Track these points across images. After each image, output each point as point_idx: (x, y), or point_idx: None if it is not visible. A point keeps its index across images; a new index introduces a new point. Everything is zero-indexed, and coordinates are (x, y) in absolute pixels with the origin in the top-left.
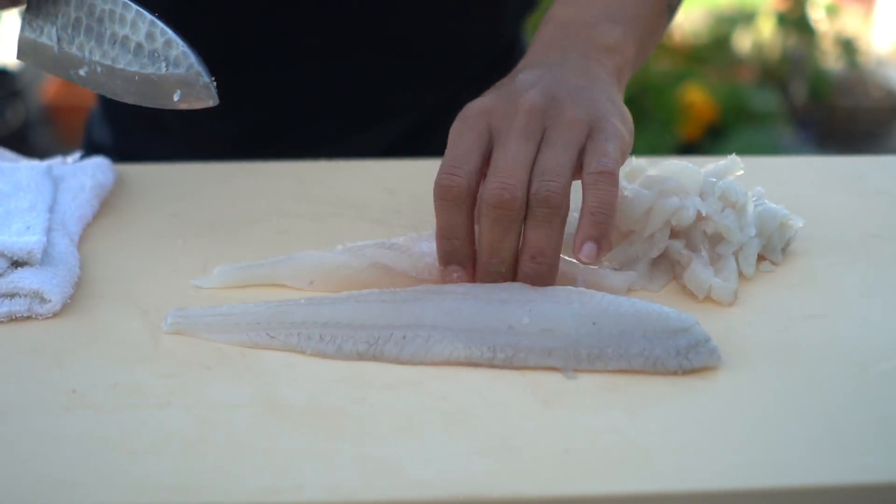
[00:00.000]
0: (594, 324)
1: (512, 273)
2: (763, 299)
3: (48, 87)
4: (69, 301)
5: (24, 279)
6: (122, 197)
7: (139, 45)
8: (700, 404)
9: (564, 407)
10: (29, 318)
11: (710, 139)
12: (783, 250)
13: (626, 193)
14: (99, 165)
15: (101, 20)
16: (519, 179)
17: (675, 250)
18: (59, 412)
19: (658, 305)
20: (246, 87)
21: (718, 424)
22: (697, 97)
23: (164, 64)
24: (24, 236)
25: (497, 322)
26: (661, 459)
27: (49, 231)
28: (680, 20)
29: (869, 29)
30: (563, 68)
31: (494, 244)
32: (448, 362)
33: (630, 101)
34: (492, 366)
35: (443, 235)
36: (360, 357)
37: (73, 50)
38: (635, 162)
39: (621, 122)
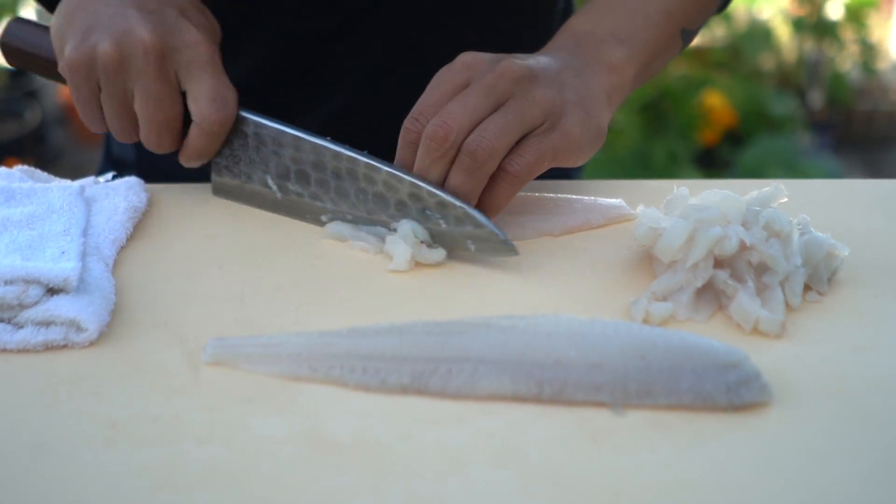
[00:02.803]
0: (643, 358)
1: None
2: (810, 331)
3: (64, 88)
4: (105, 329)
5: (60, 307)
6: (155, 218)
7: (402, 202)
8: (751, 442)
9: (613, 444)
10: (65, 346)
11: (728, 145)
12: (829, 280)
13: (662, 225)
14: (132, 186)
15: (338, 176)
16: (459, 124)
17: (721, 280)
18: (99, 446)
19: (707, 339)
20: (284, 108)
21: (770, 463)
22: (716, 102)
23: (442, 221)
24: (59, 262)
25: (544, 355)
26: (713, 500)
27: (84, 256)
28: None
29: (888, 34)
30: (561, 62)
31: (421, 171)
32: (494, 397)
33: (649, 107)
34: (539, 401)
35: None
36: (405, 391)
37: (306, 198)
38: (677, 190)
39: (580, 127)
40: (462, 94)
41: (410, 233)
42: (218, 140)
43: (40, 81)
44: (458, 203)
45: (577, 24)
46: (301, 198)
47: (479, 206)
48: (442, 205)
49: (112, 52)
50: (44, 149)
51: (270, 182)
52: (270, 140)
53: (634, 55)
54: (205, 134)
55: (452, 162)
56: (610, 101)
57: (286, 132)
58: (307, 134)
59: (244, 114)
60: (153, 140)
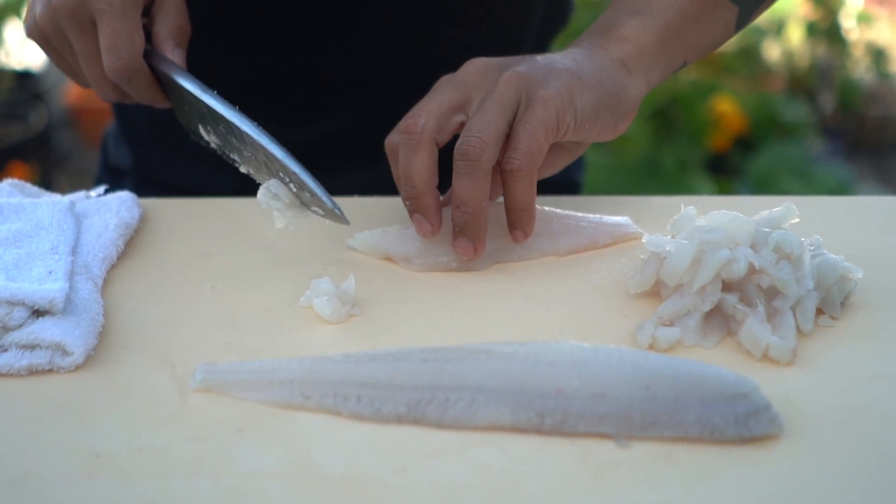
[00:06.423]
0: (648, 388)
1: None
2: (823, 358)
3: (70, 90)
4: (92, 353)
5: (45, 330)
6: (147, 235)
7: (266, 164)
8: (760, 477)
9: (616, 479)
10: (50, 371)
11: (739, 151)
12: (842, 304)
13: (667, 248)
14: (124, 202)
15: (231, 133)
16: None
17: (730, 305)
18: (81, 479)
19: (715, 367)
20: (279, 112)
21: (780, 500)
22: (727, 108)
23: (292, 185)
24: (45, 283)
25: (545, 385)
26: None
27: (71, 275)
28: None
29: None
30: (554, 55)
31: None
32: (493, 428)
33: (659, 114)
34: (539, 432)
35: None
36: (400, 420)
37: (233, 156)
38: (684, 210)
39: (565, 88)
40: (429, 93)
41: (280, 190)
42: (132, 85)
43: (46, 84)
44: (293, 168)
45: (597, 21)
46: (226, 152)
47: (509, 213)
48: (285, 169)
49: (46, 19)
50: (49, 152)
51: (202, 131)
52: (185, 92)
53: (649, 21)
54: (117, 81)
55: (430, 154)
56: (626, 68)
57: (185, 87)
58: (202, 89)
59: (167, 71)
60: (98, 93)
